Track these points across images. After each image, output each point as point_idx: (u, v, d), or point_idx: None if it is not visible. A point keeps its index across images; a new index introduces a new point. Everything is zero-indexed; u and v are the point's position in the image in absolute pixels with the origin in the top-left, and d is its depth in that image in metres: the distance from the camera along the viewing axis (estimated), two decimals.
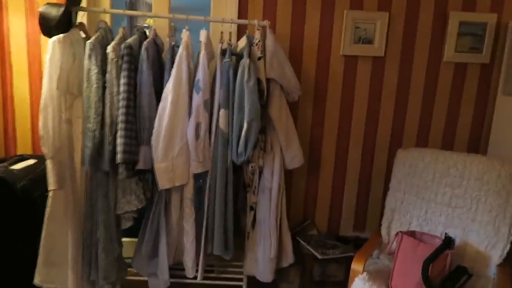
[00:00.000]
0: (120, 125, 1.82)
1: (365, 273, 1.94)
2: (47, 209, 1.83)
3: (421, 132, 2.65)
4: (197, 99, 1.96)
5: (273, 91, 2.13)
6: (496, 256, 2.02)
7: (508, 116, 2.49)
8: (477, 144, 2.68)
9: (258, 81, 2.02)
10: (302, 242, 2.37)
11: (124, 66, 1.85)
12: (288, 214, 2.58)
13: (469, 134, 2.67)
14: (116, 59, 1.86)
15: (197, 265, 2.08)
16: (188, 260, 2.05)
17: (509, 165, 2.19)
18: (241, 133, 1.98)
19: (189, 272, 2.07)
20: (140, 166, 1.89)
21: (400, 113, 2.61)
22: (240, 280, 2.26)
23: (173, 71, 1.91)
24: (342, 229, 2.69)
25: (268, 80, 2.09)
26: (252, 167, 2.13)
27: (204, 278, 2.19)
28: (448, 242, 1.92)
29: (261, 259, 2.18)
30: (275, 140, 2.16)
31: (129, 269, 2.17)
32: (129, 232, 2.15)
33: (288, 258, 2.24)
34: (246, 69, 1.96)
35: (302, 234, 2.52)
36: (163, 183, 1.90)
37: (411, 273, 1.86)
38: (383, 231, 2.29)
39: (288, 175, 2.54)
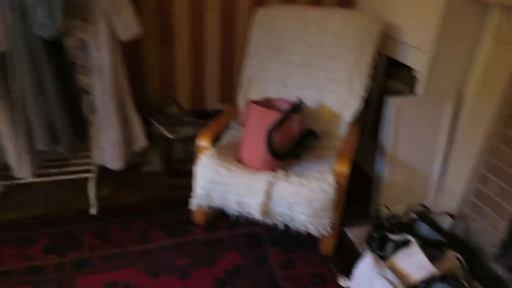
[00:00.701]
0: None
1: (212, 149, 1.82)
2: None
3: None
4: None
5: None
6: (348, 115, 1.99)
7: None
8: None
9: None
10: (154, 122, 2.16)
11: None
12: (143, 93, 2.33)
13: None
14: None
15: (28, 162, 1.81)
16: (12, 160, 1.77)
17: (367, 19, 2.04)
18: None
19: (17, 172, 1.80)
20: None
21: None
22: (89, 171, 2.05)
23: None
24: (208, 103, 2.51)
25: None
26: (71, 42, 1.75)
27: (48, 175, 1.96)
28: (294, 106, 1.82)
29: (107, 146, 1.95)
30: (98, 6, 1.75)
31: None
32: None
33: (139, 141, 2.04)
34: None
35: (161, 113, 2.29)
36: None
37: (259, 143, 1.77)
38: (240, 101, 2.14)
39: (135, 47, 2.18)
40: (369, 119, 2.40)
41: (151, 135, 2.20)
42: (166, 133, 2.06)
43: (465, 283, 1.63)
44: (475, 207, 1.86)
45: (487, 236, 1.79)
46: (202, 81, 2.43)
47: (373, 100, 2.34)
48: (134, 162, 2.36)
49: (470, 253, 1.83)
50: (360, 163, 2.49)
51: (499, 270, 1.75)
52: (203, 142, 1.82)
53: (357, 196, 2.23)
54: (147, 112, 2.24)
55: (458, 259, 1.71)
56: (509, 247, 1.72)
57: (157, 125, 2.12)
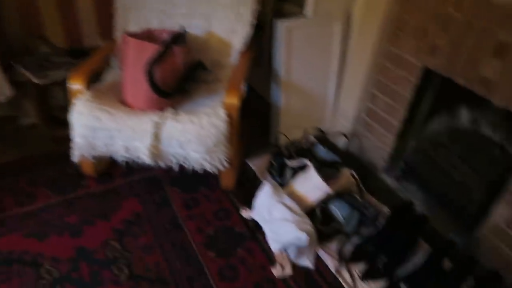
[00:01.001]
0: None
1: (87, 92, 1.60)
2: None
3: None
4: None
5: None
6: (238, 42, 1.87)
7: None
8: None
9: None
10: (16, 66, 1.85)
11: None
12: (2, 33, 1.97)
13: None
14: None
15: None
16: None
17: None
18: None
19: None
20: None
21: None
22: None
23: None
24: (86, 40, 2.20)
25: None
26: None
27: None
28: (175, 36, 1.64)
29: None
30: None
31: None
32: None
33: (2, 91, 1.75)
34: None
35: (29, 55, 1.96)
36: None
37: (140, 80, 1.59)
38: (118, 35, 1.90)
39: None
40: (265, 46, 2.30)
41: (19, 82, 1.89)
42: (32, 78, 1.78)
43: (358, 197, 1.71)
44: (366, 125, 1.91)
45: (377, 151, 1.88)
46: (74, 14, 2.10)
47: (267, 25, 2.23)
48: (8, 115, 2.06)
49: (364, 169, 1.92)
50: (261, 93, 2.43)
51: (389, 181, 1.86)
52: (76, 85, 1.59)
53: (261, 126, 2.20)
54: (9, 55, 1.91)
55: (353, 175, 1.78)
56: (396, 159, 1.83)
57: (21, 69, 1.82)
